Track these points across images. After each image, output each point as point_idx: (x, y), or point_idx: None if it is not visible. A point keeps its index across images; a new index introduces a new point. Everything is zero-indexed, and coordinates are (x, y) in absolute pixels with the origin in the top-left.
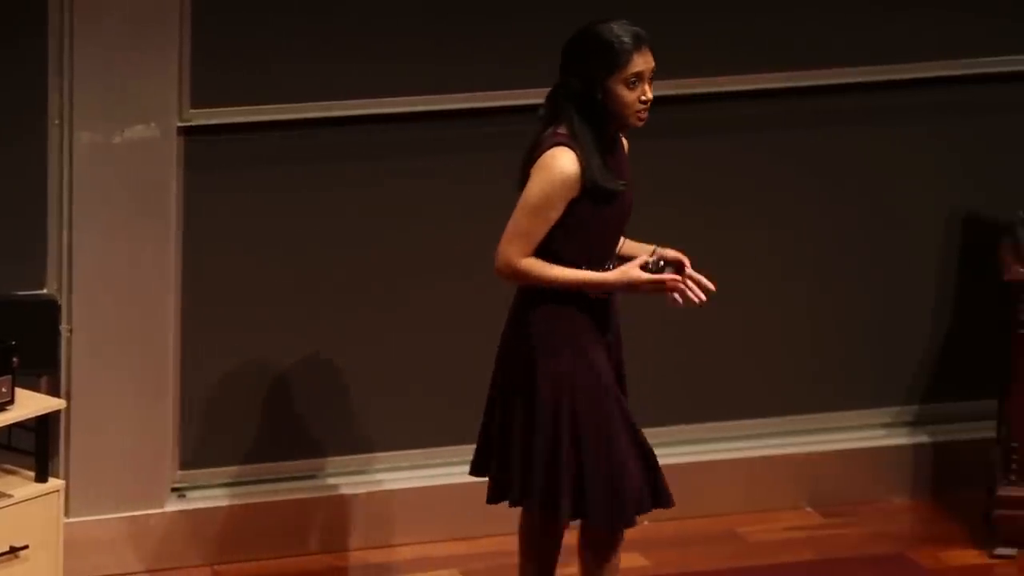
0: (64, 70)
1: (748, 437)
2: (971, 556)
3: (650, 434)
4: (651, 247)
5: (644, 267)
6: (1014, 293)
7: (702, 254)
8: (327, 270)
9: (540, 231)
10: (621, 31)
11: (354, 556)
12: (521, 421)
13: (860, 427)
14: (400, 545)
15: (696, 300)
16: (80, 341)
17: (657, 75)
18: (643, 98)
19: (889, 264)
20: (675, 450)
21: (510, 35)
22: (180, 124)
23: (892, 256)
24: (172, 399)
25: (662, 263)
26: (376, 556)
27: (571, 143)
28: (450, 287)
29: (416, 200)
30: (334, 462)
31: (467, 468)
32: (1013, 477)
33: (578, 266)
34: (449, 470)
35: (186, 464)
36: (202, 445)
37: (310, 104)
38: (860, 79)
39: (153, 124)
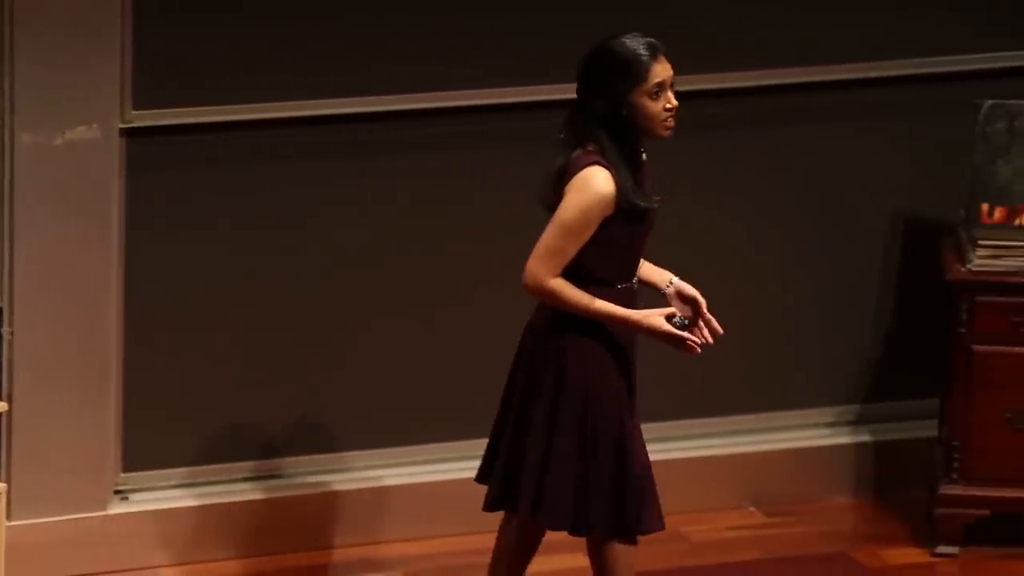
0: (5, 71)
1: (691, 437)
2: (913, 555)
3: None
4: (668, 275)
5: (670, 318)
6: (955, 293)
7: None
8: (271, 270)
9: (573, 250)
10: (635, 44)
11: (299, 557)
12: (543, 433)
13: (802, 427)
14: (347, 547)
15: (700, 341)
16: (21, 343)
17: None
18: (668, 106)
19: (831, 263)
20: None
21: (467, 33)
22: (122, 126)
23: (834, 256)
24: (114, 401)
25: (687, 321)
26: (321, 558)
27: (604, 162)
28: (385, 282)
29: (368, 197)
30: (277, 464)
31: (423, 468)
32: (954, 476)
33: (610, 281)
34: (400, 471)
35: (129, 466)
36: (145, 447)
37: (253, 106)
38: (803, 79)
39: (95, 125)
